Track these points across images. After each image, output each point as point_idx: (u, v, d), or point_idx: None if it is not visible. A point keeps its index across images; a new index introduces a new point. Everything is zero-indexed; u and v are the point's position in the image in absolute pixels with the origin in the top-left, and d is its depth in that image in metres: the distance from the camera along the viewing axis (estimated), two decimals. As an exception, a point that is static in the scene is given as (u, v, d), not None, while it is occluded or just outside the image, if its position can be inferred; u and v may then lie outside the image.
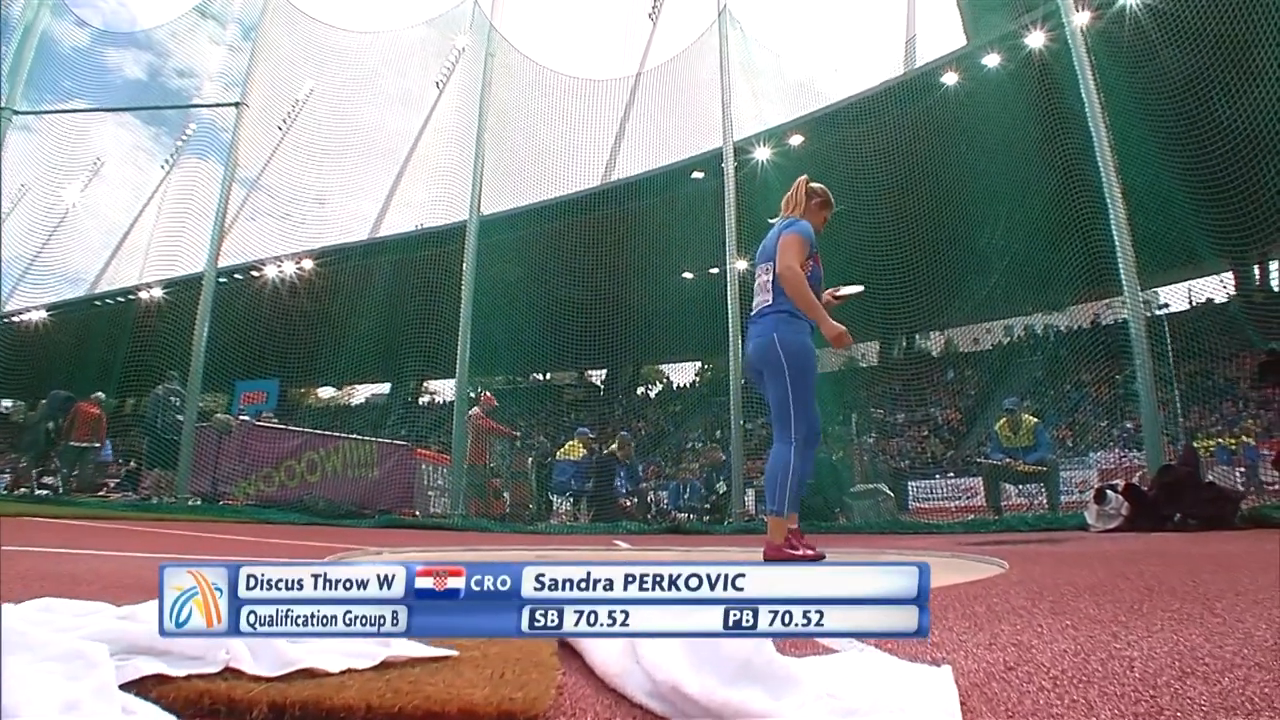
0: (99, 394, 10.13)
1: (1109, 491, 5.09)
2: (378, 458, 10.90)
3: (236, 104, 10.75)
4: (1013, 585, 1.92)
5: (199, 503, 9.37)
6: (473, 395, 10.61)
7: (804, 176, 3.60)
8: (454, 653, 0.99)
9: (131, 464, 12.59)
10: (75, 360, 15.19)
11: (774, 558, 3.24)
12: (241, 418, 11.82)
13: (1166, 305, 22.16)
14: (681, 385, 33.78)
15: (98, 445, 10.37)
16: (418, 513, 10.59)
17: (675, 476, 13.28)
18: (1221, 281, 22.29)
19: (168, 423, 9.81)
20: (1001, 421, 8.40)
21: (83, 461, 10.31)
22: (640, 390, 34.53)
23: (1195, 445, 8.37)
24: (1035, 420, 8.23)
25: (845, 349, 3.22)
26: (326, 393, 38.97)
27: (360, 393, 38.89)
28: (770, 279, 3.37)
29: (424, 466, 11.57)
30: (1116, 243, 6.92)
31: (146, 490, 10.29)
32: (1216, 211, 7.91)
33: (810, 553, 3.27)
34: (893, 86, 16.58)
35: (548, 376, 33.23)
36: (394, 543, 4.74)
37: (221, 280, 22.55)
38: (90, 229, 22.57)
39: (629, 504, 9.64)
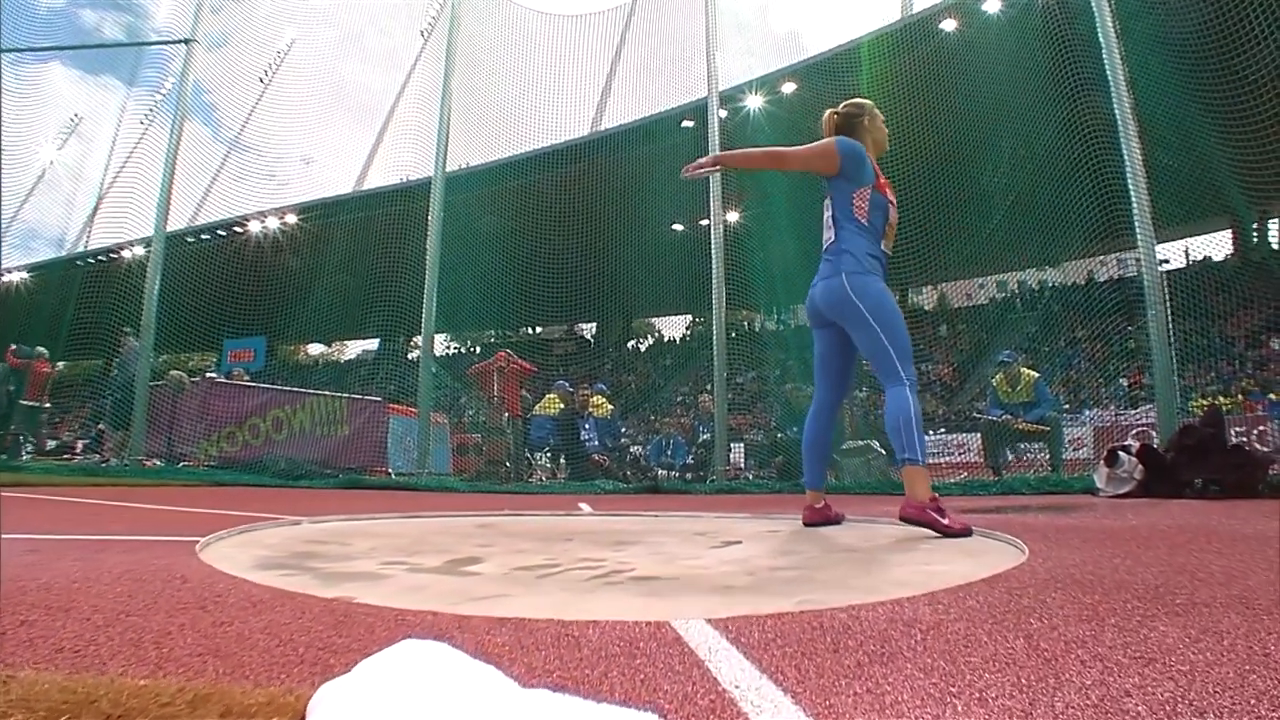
0: (41, 349, 9.57)
1: (1121, 453, 4.67)
2: (348, 414, 10.46)
3: (186, 40, 10.17)
4: (1045, 586, 1.46)
5: (160, 465, 8.97)
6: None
7: (870, 102, 3.25)
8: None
9: (100, 426, 12.20)
10: (44, 320, 14.69)
11: (915, 519, 2.65)
12: (209, 375, 11.34)
13: (1166, 261, 21.77)
14: (672, 339, 33.43)
15: (47, 405, 9.87)
16: (390, 471, 10.19)
17: (659, 430, 12.90)
18: (1219, 240, 22.02)
19: (131, 381, 9.35)
20: (998, 377, 7.99)
21: (33, 422, 9.82)
22: (630, 344, 34.13)
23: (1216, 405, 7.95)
24: (1035, 374, 7.82)
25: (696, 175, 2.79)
26: (316, 349, 38.63)
27: (351, 349, 38.52)
28: (830, 215, 3.05)
29: (396, 423, 11.14)
30: (1130, 184, 6.41)
31: (108, 453, 9.87)
32: (1246, 154, 7.32)
33: (958, 525, 2.61)
34: (893, 29, 15.85)
35: (537, 330, 32.81)
36: (338, 509, 4.31)
37: (205, 238, 21.98)
38: (69, 190, 22.02)
39: (605, 460, 9.25)
